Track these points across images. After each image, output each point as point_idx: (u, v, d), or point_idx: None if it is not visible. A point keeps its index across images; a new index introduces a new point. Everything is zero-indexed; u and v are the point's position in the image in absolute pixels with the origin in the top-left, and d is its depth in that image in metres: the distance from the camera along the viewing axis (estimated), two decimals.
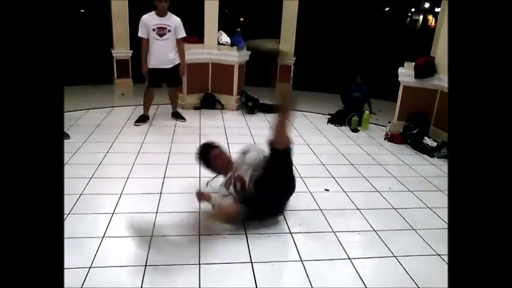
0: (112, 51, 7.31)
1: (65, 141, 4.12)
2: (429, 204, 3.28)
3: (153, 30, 4.82)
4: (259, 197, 2.70)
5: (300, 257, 2.45)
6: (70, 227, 2.57)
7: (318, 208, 3.09)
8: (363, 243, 2.70)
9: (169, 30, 4.88)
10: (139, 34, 4.89)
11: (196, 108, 6.10)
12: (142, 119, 5.16)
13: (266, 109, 6.15)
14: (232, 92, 6.19)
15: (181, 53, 5.07)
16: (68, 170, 3.41)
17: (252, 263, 2.37)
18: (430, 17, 16.98)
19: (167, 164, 3.80)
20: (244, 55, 6.15)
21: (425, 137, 4.78)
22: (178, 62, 5.08)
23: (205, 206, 2.99)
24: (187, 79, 5.99)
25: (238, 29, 6.15)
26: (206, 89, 6.25)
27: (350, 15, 9.17)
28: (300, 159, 3.78)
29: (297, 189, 2.91)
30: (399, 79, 5.30)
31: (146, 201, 3.04)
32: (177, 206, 2.99)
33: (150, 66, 4.94)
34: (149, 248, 2.44)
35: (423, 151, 4.64)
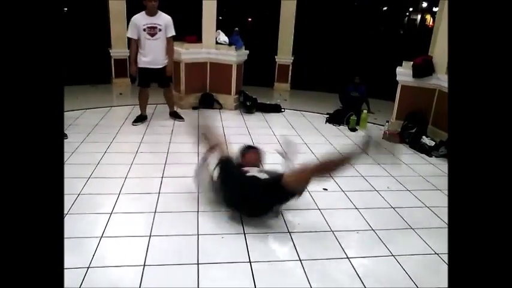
0: (110, 51, 7.30)
1: (63, 141, 4.11)
2: (427, 204, 3.29)
3: (144, 30, 4.78)
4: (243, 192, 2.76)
5: (299, 257, 2.45)
6: (68, 227, 2.57)
7: (317, 207, 3.09)
8: (361, 242, 2.71)
9: (160, 30, 4.84)
10: (128, 34, 4.87)
11: (194, 107, 6.09)
12: (140, 119, 5.15)
13: (264, 108, 6.16)
14: (231, 92, 6.19)
15: (170, 52, 5.02)
16: (66, 170, 3.39)
17: (250, 262, 2.36)
18: (428, 17, 17.01)
19: (165, 164, 3.80)
20: (242, 55, 6.14)
21: (424, 136, 4.79)
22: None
23: (204, 206, 2.99)
24: (185, 79, 6.00)
25: (236, 28, 6.15)
26: (204, 89, 6.24)
27: (348, 15, 9.18)
28: (298, 159, 3.77)
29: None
30: (397, 78, 5.31)
31: (144, 201, 3.04)
32: (175, 206, 2.98)
33: (140, 66, 4.91)
34: (147, 247, 2.44)
35: (421, 150, 4.65)
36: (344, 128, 5.52)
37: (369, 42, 8.57)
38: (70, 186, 3.13)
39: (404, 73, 5.22)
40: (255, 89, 6.67)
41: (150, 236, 2.57)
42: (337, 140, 4.96)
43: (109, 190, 3.18)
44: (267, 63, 8.00)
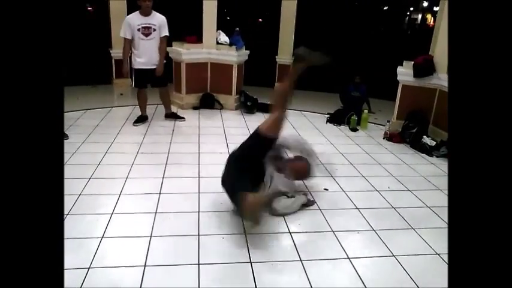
0: (111, 51, 7.30)
1: (64, 141, 4.11)
2: (428, 204, 3.28)
3: (138, 30, 4.75)
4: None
5: (300, 257, 2.45)
6: (69, 227, 2.57)
7: (317, 208, 3.09)
8: (362, 242, 2.70)
9: (154, 30, 4.81)
10: (122, 34, 4.82)
11: (195, 108, 6.09)
12: (141, 120, 5.15)
13: (265, 109, 6.14)
14: (231, 92, 6.19)
15: (162, 51, 4.95)
16: (66, 171, 3.40)
17: (251, 263, 2.36)
18: (429, 16, 17.00)
19: (166, 164, 3.80)
20: (243, 55, 6.14)
21: (424, 136, 4.78)
22: (164, 61, 5.03)
23: (204, 207, 3.00)
24: (186, 79, 6.00)
25: (237, 29, 6.15)
26: (205, 89, 6.24)
27: (349, 15, 9.18)
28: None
29: (295, 189, 2.91)
30: (398, 78, 5.30)
31: (145, 202, 3.04)
32: (176, 206, 2.98)
33: (136, 67, 4.88)
34: (148, 248, 2.44)
35: (422, 150, 4.64)
36: (345, 128, 5.51)
37: (370, 41, 8.56)
38: (71, 186, 3.14)
39: (405, 73, 5.21)
40: (255, 89, 6.66)
41: (150, 236, 2.57)
42: (338, 140, 4.96)
43: (110, 191, 3.18)
44: (268, 63, 7.99)
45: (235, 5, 8.42)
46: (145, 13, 4.77)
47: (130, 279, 2.17)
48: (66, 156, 3.80)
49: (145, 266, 2.27)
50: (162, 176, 3.52)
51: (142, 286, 2.12)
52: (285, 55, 7.89)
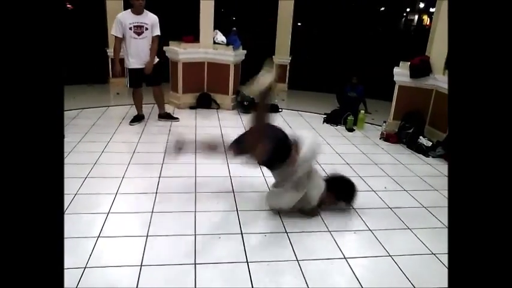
0: (107, 51, 7.28)
1: None
2: (424, 204, 3.29)
3: (130, 29, 4.72)
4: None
5: (296, 257, 2.45)
6: (65, 226, 2.55)
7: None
8: (358, 242, 2.71)
9: (146, 29, 4.78)
10: (113, 32, 4.79)
11: (191, 107, 6.09)
12: (137, 119, 5.14)
13: None
14: (228, 92, 6.18)
15: (153, 51, 4.90)
16: None
17: (247, 262, 2.36)
18: (425, 17, 17.07)
19: (162, 164, 3.79)
20: (239, 54, 6.14)
21: (421, 137, 4.80)
22: (157, 60, 5.01)
23: (201, 206, 2.99)
24: (182, 79, 5.99)
25: (234, 28, 6.15)
26: (202, 89, 6.23)
27: (346, 15, 9.20)
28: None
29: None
30: (394, 79, 5.31)
31: (142, 201, 3.03)
32: (172, 206, 2.98)
33: (130, 67, 4.86)
34: (145, 247, 2.44)
35: (418, 150, 4.66)
36: (341, 128, 5.52)
37: (366, 42, 8.58)
38: (67, 186, 3.12)
39: (401, 73, 5.23)
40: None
41: (147, 236, 2.57)
42: (335, 140, 4.97)
43: (106, 190, 3.17)
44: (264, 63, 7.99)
45: (234, 4, 8.42)
46: (138, 12, 4.74)
47: (126, 278, 2.16)
48: None
49: (141, 265, 2.27)
50: (158, 175, 3.52)
51: (138, 286, 2.11)
52: (282, 55, 7.91)
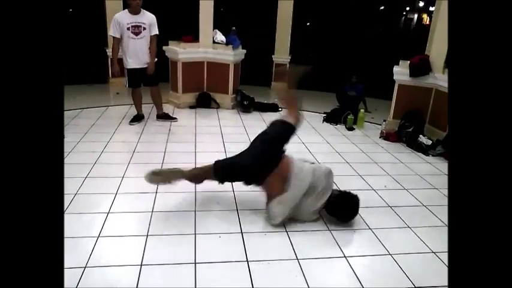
0: (107, 50, 7.27)
1: None
2: (424, 202, 3.29)
3: (128, 29, 4.69)
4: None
5: (296, 256, 2.45)
6: (65, 226, 2.55)
7: None
8: (358, 241, 2.71)
9: (144, 28, 4.75)
10: (111, 33, 4.76)
11: (191, 107, 6.08)
12: (137, 119, 5.14)
13: (261, 108, 6.15)
14: (228, 91, 6.18)
15: (153, 50, 4.90)
16: None
17: (247, 261, 2.36)
18: (425, 16, 17.05)
19: (162, 163, 3.79)
20: (239, 54, 6.14)
21: (420, 135, 4.80)
22: (155, 59, 4.99)
23: (201, 205, 2.99)
24: (182, 78, 5.99)
25: (234, 28, 6.14)
26: (201, 88, 6.23)
27: (345, 14, 9.19)
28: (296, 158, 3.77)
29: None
30: (394, 78, 5.31)
31: (141, 201, 3.03)
32: (172, 205, 2.98)
33: (128, 67, 4.84)
34: (145, 247, 2.43)
35: (418, 149, 4.66)
36: (341, 127, 5.52)
37: (366, 41, 8.58)
38: (67, 185, 3.12)
39: (401, 72, 5.23)
40: (252, 89, 6.66)
41: (147, 235, 2.57)
42: (335, 139, 4.97)
43: (106, 190, 3.17)
44: (264, 62, 7.99)
45: (232, 4, 8.41)
46: (135, 11, 4.71)
47: (126, 278, 2.16)
48: None
49: (141, 265, 2.27)
50: None
51: (138, 285, 2.11)
52: (281, 54, 7.90)
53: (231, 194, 3.16)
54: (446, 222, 2.97)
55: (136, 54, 4.80)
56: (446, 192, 3.50)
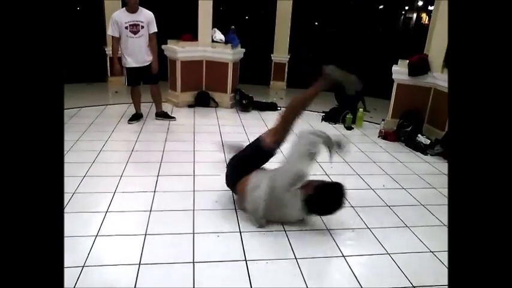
0: (105, 49, 7.27)
1: None
2: (423, 202, 3.30)
3: (126, 28, 4.67)
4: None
5: (295, 255, 2.45)
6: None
7: None
8: (357, 240, 2.71)
9: (142, 27, 4.72)
10: (109, 32, 4.75)
11: (190, 106, 6.08)
12: (136, 117, 5.13)
13: (260, 107, 6.15)
14: (227, 90, 6.18)
15: (154, 48, 4.89)
16: None
17: (246, 261, 2.36)
18: (424, 15, 17.05)
19: (161, 162, 3.79)
20: (238, 53, 6.13)
21: (419, 135, 4.80)
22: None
23: (199, 205, 2.99)
24: (181, 77, 5.98)
25: (233, 27, 6.13)
26: (200, 87, 6.22)
27: (344, 13, 9.18)
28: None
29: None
30: (393, 77, 5.31)
31: (140, 200, 3.03)
32: (171, 205, 2.98)
33: (128, 66, 4.83)
34: (143, 246, 2.43)
35: (417, 149, 4.66)
36: (340, 126, 5.53)
37: (365, 40, 8.57)
38: (65, 184, 3.07)
39: (400, 71, 5.23)
40: (251, 87, 6.66)
41: (145, 234, 2.57)
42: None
43: (104, 189, 3.17)
44: (263, 61, 7.99)
45: (232, 3, 8.39)
46: (132, 10, 4.68)
47: (125, 277, 2.16)
48: None
49: (140, 264, 2.27)
50: (157, 174, 3.51)
51: (137, 285, 2.11)
52: (280, 53, 7.90)
53: (229, 193, 3.16)
54: (444, 221, 2.97)
55: (135, 53, 4.78)
56: (444, 191, 3.51)
